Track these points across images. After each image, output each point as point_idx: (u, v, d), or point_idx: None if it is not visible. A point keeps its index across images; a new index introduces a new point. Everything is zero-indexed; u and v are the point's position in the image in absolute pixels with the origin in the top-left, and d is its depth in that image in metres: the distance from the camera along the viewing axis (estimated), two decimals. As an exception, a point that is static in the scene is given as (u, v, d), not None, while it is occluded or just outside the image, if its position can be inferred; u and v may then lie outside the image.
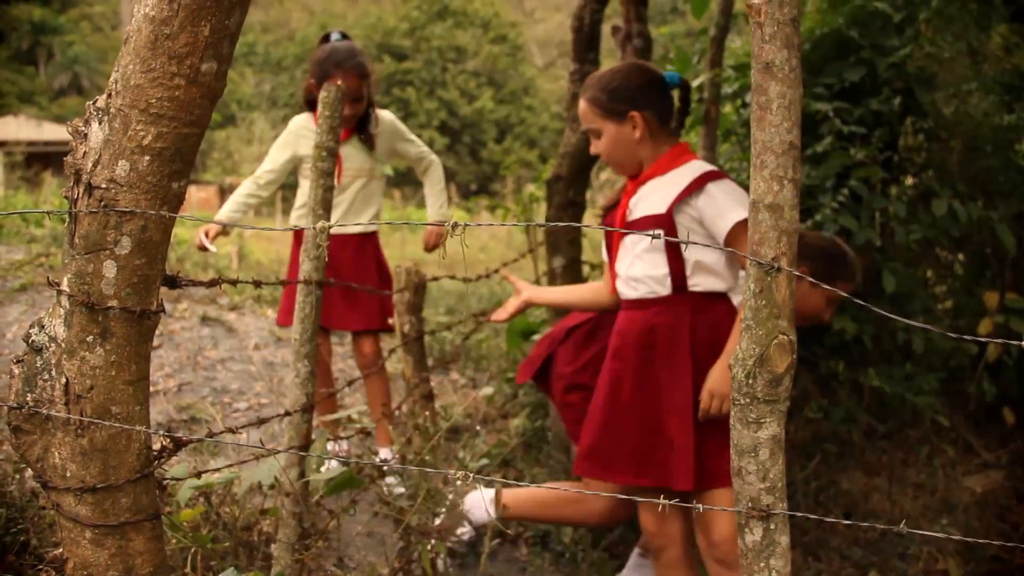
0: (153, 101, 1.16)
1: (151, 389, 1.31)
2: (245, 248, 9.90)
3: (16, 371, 1.23)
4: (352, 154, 3.13)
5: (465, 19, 32.27)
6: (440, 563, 2.36)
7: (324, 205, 1.94)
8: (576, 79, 3.30)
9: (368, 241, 3.22)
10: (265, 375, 4.29)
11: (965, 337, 1.01)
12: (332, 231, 3.11)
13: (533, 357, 2.52)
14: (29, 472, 2.16)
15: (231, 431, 1.69)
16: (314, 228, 1.83)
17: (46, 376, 1.21)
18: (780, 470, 1.08)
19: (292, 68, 31.15)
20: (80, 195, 1.18)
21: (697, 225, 1.98)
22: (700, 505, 1.14)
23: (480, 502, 2.43)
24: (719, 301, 2.01)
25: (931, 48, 3.15)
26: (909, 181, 3.32)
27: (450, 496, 2.46)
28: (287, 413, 1.91)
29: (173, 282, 1.32)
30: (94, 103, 1.19)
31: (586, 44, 3.29)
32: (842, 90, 3.09)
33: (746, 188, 1.55)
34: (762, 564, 1.08)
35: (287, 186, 3.30)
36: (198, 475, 1.89)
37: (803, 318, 2.32)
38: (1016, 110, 3.21)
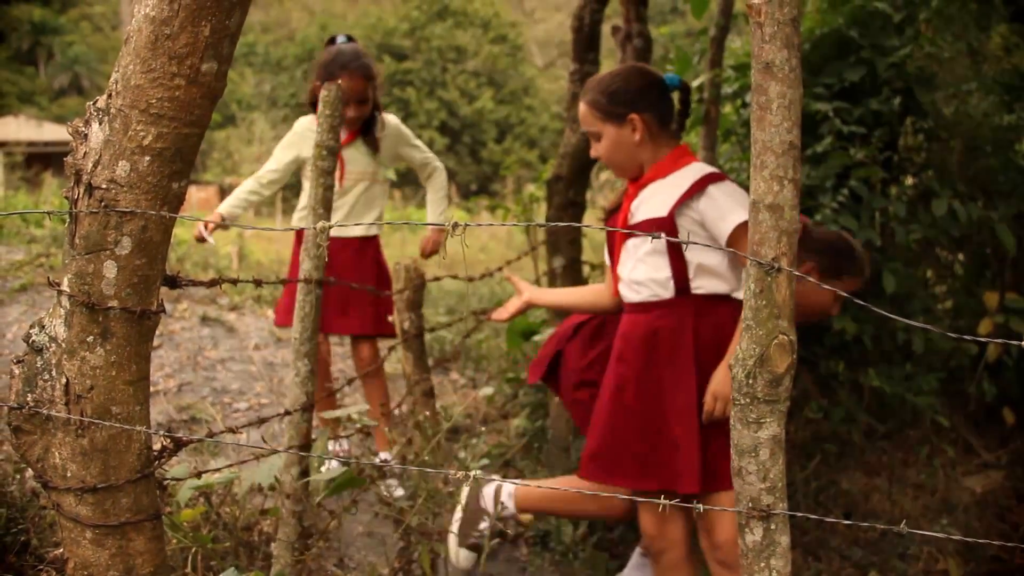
0: (153, 101, 1.16)
1: (151, 389, 1.31)
2: (245, 248, 9.90)
3: (16, 371, 1.23)
4: (355, 157, 3.13)
5: (465, 19, 32.27)
6: (440, 563, 2.36)
7: (324, 204, 1.94)
8: (576, 79, 3.31)
9: (368, 245, 3.20)
10: (265, 375, 4.29)
11: (965, 337, 1.01)
12: (332, 234, 3.11)
13: (542, 356, 2.52)
14: (30, 472, 2.16)
15: (231, 431, 1.69)
16: (314, 228, 1.83)
17: (46, 376, 1.21)
18: (780, 470, 1.08)
19: (292, 68, 31.14)
20: (80, 195, 1.18)
21: (699, 228, 1.98)
22: (701, 505, 1.14)
23: (495, 496, 2.43)
24: (722, 303, 2.01)
25: (931, 48, 3.15)
26: (909, 181, 3.32)
27: (461, 491, 2.46)
28: (287, 412, 1.92)
29: (173, 282, 1.32)
30: (94, 103, 1.19)
31: (586, 44, 3.29)
32: (842, 90, 3.09)
33: (746, 188, 1.55)
34: (762, 564, 1.08)
35: (288, 186, 3.30)
36: (198, 475, 1.89)
37: (811, 313, 2.32)
38: (1016, 110, 3.21)
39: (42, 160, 19.56)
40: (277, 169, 3.10)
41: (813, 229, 2.37)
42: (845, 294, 1.15)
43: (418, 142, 3.31)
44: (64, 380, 1.20)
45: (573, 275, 3.31)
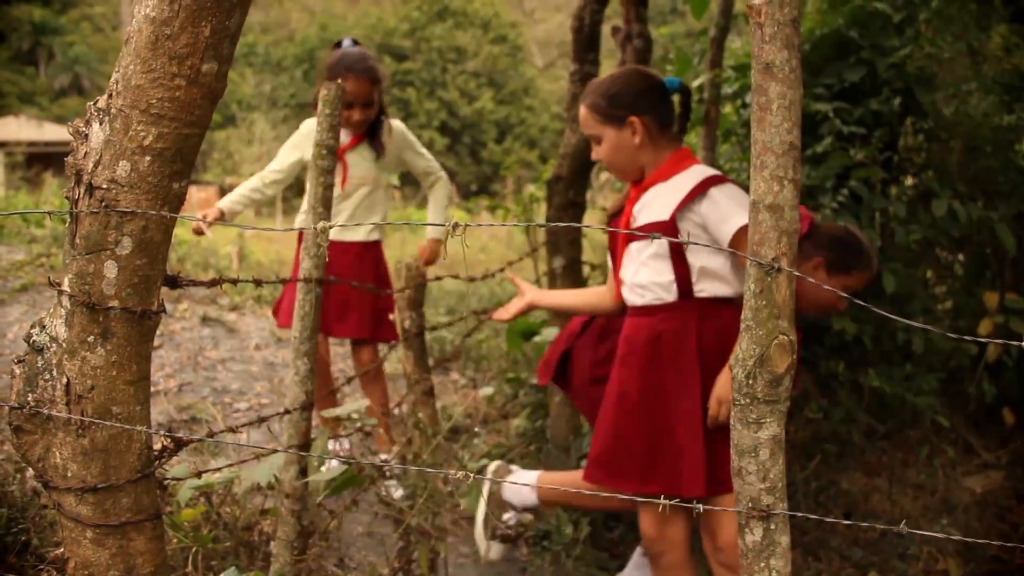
0: (154, 102, 1.16)
1: (152, 389, 1.31)
2: (246, 248, 9.91)
3: (17, 371, 1.24)
4: (358, 161, 3.12)
5: (465, 19, 32.28)
6: (439, 563, 2.36)
7: (324, 203, 1.94)
8: (576, 79, 3.31)
9: (369, 250, 3.19)
10: (266, 375, 4.29)
11: (965, 338, 1.01)
12: (333, 238, 3.11)
13: (550, 357, 2.51)
14: (30, 472, 2.16)
15: (232, 430, 1.69)
16: (314, 228, 1.83)
17: (47, 376, 1.21)
18: (780, 470, 1.08)
19: (292, 69, 31.15)
20: (81, 195, 1.18)
21: (701, 231, 1.97)
22: (700, 506, 1.14)
23: (520, 488, 2.44)
24: (726, 306, 2.00)
25: (931, 48, 3.15)
26: (909, 181, 3.33)
27: (473, 489, 2.47)
28: (286, 411, 1.92)
29: (174, 282, 1.32)
30: (95, 104, 1.19)
31: (586, 44, 3.29)
32: (842, 90, 3.09)
33: (746, 189, 1.55)
34: (762, 564, 1.08)
35: (288, 187, 3.28)
36: (199, 475, 1.89)
37: (819, 308, 2.32)
38: (1016, 110, 3.21)
39: (43, 160, 19.56)
40: (281, 170, 3.10)
41: (821, 224, 2.37)
42: (844, 295, 1.15)
43: (423, 150, 3.29)
44: (65, 380, 1.20)
45: (573, 275, 3.31)
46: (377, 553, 2.56)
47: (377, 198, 3.17)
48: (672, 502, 1.14)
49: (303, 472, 1.94)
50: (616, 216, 2.23)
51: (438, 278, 3.22)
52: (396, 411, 3.31)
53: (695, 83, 3.76)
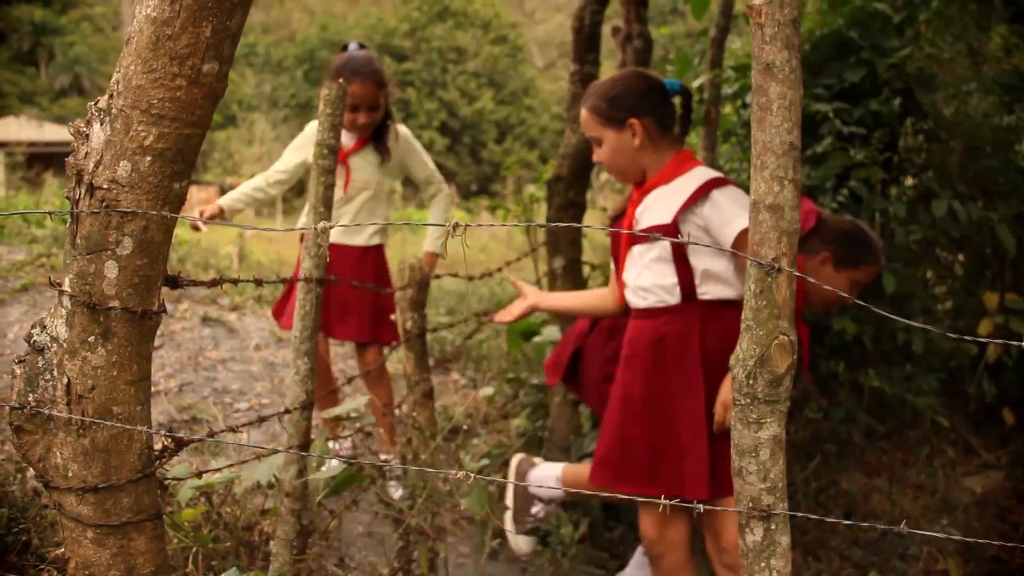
0: (155, 102, 1.16)
1: (152, 389, 1.31)
2: (246, 249, 9.91)
3: (18, 371, 1.24)
4: (362, 165, 3.11)
5: (465, 20, 32.29)
6: (439, 563, 2.37)
7: (325, 203, 1.95)
8: (576, 80, 3.31)
9: (369, 254, 3.18)
10: (266, 375, 4.29)
11: (965, 338, 1.01)
12: (335, 242, 3.11)
13: (560, 357, 2.51)
14: (31, 472, 2.17)
15: (232, 430, 1.69)
16: (315, 228, 1.83)
17: (48, 376, 1.21)
18: (781, 470, 1.08)
19: (293, 69, 31.17)
20: (82, 195, 1.19)
21: (703, 233, 1.97)
22: (701, 506, 1.14)
23: (545, 479, 2.44)
24: (729, 309, 1.99)
25: (931, 49, 3.15)
26: (909, 182, 3.33)
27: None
28: (287, 411, 1.92)
29: (174, 282, 1.32)
30: (96, 104, 1.19)
31: (586, 45, 3.29)
32: (842, 91, 3.09)
33: (747, 189, 1.55)
34: (763, 564, 1.08)
35: (290, 187, 3.28)
36: (199, 475, 1.89)
37: (828, 303, 2.32)
38: (1016, 111, 3.21)
39: (43, 160, 19.58)
40: (285, 170, 3.10)
41: (828, 219, 2.37)
42: (844, 295, 1.15)
43: (427, 158, 3.27)
44: (65, 380, 1.20)
45: (573, 276, 3.31)
46: (377, 553, 2.56)
47: (379, 202, 3.16)
48: (673, 502, 1.13)
49: (303, 472, 1.94)
50: (618, 218, 2.23)
51: (437, 276, 3.22)
52: (397, 411, 3.31)
53: (695, 83, 3.76)
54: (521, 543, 2.45)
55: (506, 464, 3.25)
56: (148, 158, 1.17)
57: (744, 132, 3.55)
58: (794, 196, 1.04)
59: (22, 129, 24.25)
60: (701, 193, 1.97)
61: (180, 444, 1.35)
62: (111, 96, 1.18)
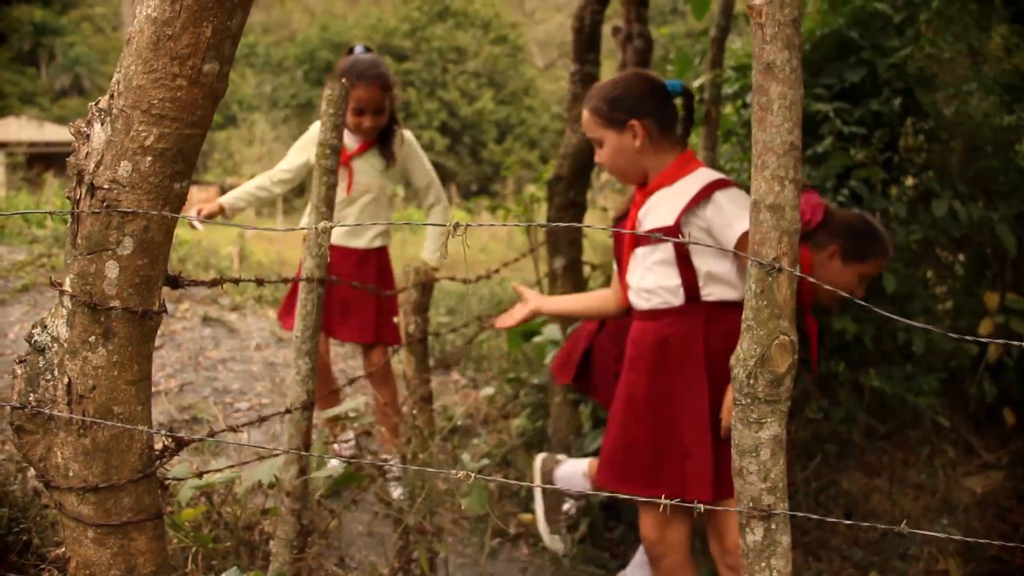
0: (155, 102, 1.16)
1: (153, 389, 1.31)
2: (246, 249, 9.92)
3: (19, 371, 1.24)
4: (365, 168, 3.11)
5: (466, 20, 32.29)
6: (439, 562, 2.37)
7: (327, 202, 1.95)
8: (577, 80, 3.31)
9: (371, 256, 3.18)
10: (266, 375, 4.29)
11: (966, 338, 1.01)
12: (336, 243, 3.11)
13: (571, 356, 2.50)
14: (32, 472, 2.17)
15: (232, 430, 1.69)
16: (315, 228, 1.83)
17: (49, 376, 1.21)
18: (781, 470, 1.08)
19: (293, 69, 31.17)
20: (82, 195, 1.19)
21: (705, 235, 1.96)
22: (701, 506, 1.14)
23: (572, 476, 2.44)
24: (733, 310, 1.98)
25: (931, 49, 3.15)
26: (909, 182, 3.33)
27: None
28: (287, 411, 1.92)
29: (175, 282, 1.32)
30: (96, 104, 1.19)
31: (586, 45, 3.29)
32: (842, 91, 3.09)
33: (747, 189, 1.54)
34: (763, 564, 1.08)
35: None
36: (200, 475, 1.89)
37: (835, 297, 2.32)
38: (1016, 111, 3.21)
39: (43, 161, 19.58)
40: (289, 170, 3.10)
41: (835, 212, 2.37)
42: (844, 293, 1.15)
43: (429, 166, 3.26)
44: (66, 380, 1.20)
45: (574, 276, 3.31)
46: (377, 552, 2.56)
47: (381, 206, 3.16)
48: (673, 502, 1.13)
49: (303, 472, 1.95)
50: (621, 219, 2.23)
51: (436, 279, 3.22)
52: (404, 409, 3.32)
53: (696, 83, 3.76)
54: (557, 543, 2.44)
55: (506, 464, 3.25)
56: (149, 158, 1.17)
57: (745, 132, 3.55)
58: (795, 196, 1.04)
59: (22, 129, 24.26)
60: (703, 195, 1.96)
61: (181, 444, 1.35)
62: (112, 96, 1.18)
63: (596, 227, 1.15)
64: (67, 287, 1.20)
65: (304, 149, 3.09)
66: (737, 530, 1.94)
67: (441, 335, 4.16)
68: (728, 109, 3.76)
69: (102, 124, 1.18)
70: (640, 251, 2.06)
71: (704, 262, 1.97)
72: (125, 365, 1.22)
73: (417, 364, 2.73)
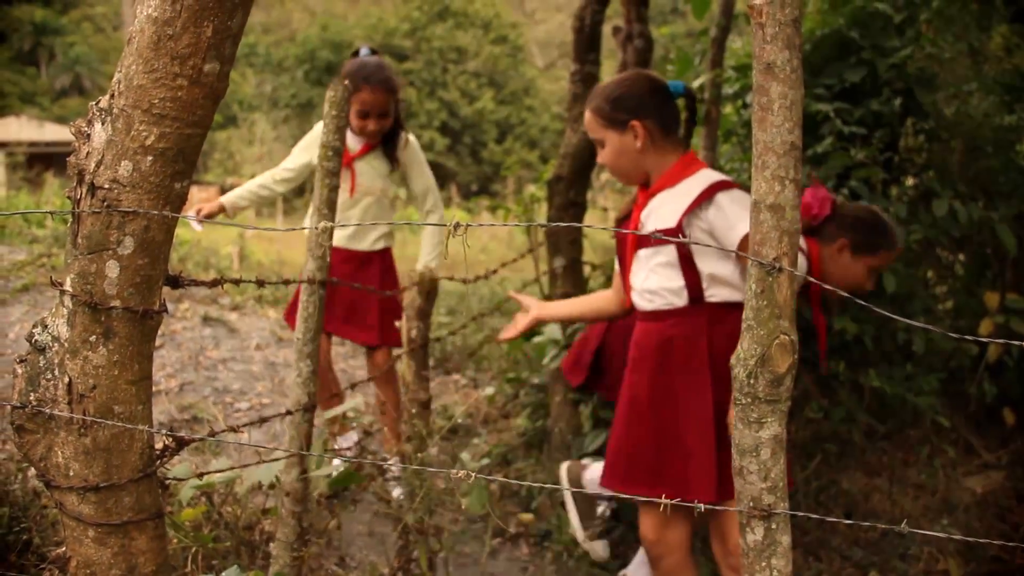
0: (156, 102, 1.16)
1: (153, 389, 1.31)
2: (246, 248, 9.92)
3: (19, 370, 1.24)
4: (367, 170, 3.11)
5: (466, 20, 32.29)
6: (438, 561, 2.37)
7: (329, 205, 1.95)
8: (577, 80, 3.31)
9: (373, 258, 3.18)
10: (267, 375, 4.29)
11: (966, 337, 1.01)
12: (339, 245, 3.10)
13: (581, 356, 2.49)
14: (32, 471, 2.17)
15: (233, 430, 1.69)
16: (316, 228, 1.83)
17: (49, 375, 1.21)
18: (781, 470, 1.08)
19: (293, 69, 31.17)
20: (83, 195, 1.19)
21: (708, 237, 1.96)
22: (701, 505, 1.14)
23: (600, 479, 2.44)
24: (736, 311, 1.97)
25: (932, 49, 3.15)
26: (910, 182, 3.33)
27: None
28: (288, 412, 1.92)
29: (175, 282, 1.32)
30: (97, 103, 1.19)
31: (587, 45, 3.29)
32: (843, 91, 3.09)
33: (748, 189, 1.54)
34: (763, 564, 1.08)
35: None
36: (200, 475, 1.89)
37: (846, 288, 2.32)
38: (1017, 111, 3.21)
39: (44, 160, 19.59)
40: (292, 169, 3.10)
41: (843, 205, 2.37)
42: (844, 293, 1.15)
43: (428, 171, 3.25)
44: (67, 379, 1.20)
45: (574, 275, 3.31)
46: (378, 552, 2.56)
47: (383, 208, 3.16)
48: (674, 501, 1.13)
49: (304, 474, 1.95)
50: (624, 220, 2.22)
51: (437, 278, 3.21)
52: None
53: (696, 83, 3.76)
54: (597, 548, 2.41)
55: (507, 463, 3.25)
56: (149, 158, 1.17)
57: (745, 132, 3.55)
58: (795, 196, 1.04)
59: (23, 129, 24.27)
60: (706, 196, 1.96)
61: (181, 443, 1.35)
62: (112, 96, 1.18)
63: (597, 227, 1.15)
64: (68, 287, 1.20)
65: (307, 149, 3.09)
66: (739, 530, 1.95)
67: (443, 339, 4.16)
68: (728, 109, 3.76)
69: (103, 124, 1.18)
70: (643, 253, 2.06)
71: (707, 264, 1.97)
72: (126, 364, 1.22)
73: (417, 370, 2.72)
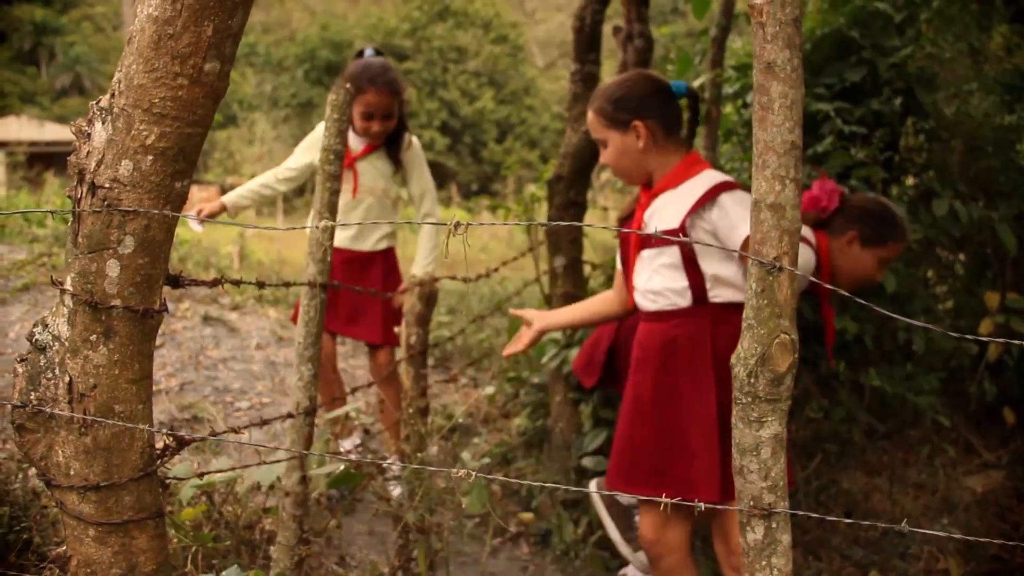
0: (156, 101, 1.16)
1: (153, 388, 1.31)
2: (247, 248, 9.92)
3: (20, 370, 1.24)
4: (369, 171, 3.11)
5: (466, 19, 32.28)
6: (438, 561, 2.37)
7: (330, 208, 1.95)
8: (577, 79, 3.31)
9: (376, 258, 3.17)
10: (267, 374, 4.29)
11: (966, 337, 1.01)
12: (342, 246, 3.11)
13: (594, 356, 2.48)
14: (32, 470, 2.17)
15: (234, 431, 1.69)
16: (317, 227, 1.83)
17: (50, 375, 1.22)
18: (781, 469, 1.08)
19: (293, 68, 31.17)
20: (84, 194, 1.19)
21: (711, 238, 1.95)
22: (701, 504, 1.14)
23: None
24: (740, 312, 1.97)
25: (932, 48, 3.15)
26: (910, 181, 3.33)
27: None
28: (290, 415, 1.92)
29: (176, 281, 1.32)
30: (98, 103, 1.19)
31: (587, 44, 3.29)
32: (843, 90, 3.09)
33: (749, 189, 1.54)
34: (764, 562, 1.09)
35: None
36: (200, 475, 1.89)
37: (856, 281, 2.33)
38: (1017, 110, 3.21)
39: (44, 160, 19.60)
40: (295, 168, 3.10)
41: (852, 197, 2.37)
42: (843, 291, 1.15)
43: (428, 175, 3.25)
44: (67, 378, 1.20)
45: (574, 275, 3.31)
46: (378, 551, 2.56)
47: (385, 208, 3.16)
48: (674, 500, 1.13)
49: (305, 478, 1.94)
50: (626, 219, 2.21)
51: (437, 279, 3.21)
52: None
53: (696, 83, 3.76)
54: (641, 558, 2.40)
55: (507, 462, 3.25)
56: (150, 157, 1.17)
57: (745, 131, 3.55)
58: (795, 195, 1.04)
59: (23, 129, 24.28)
60: (709, 197, 1.95)
61: (182, 443, 1.35)
62: (113, 95, 1.18)
63: (598, 226, 1.15)
64: (68, 286, 1.20)
65: (309, 149, 3.09)
66: (740, 530, 1.95)
67: (441, 331, 4.16)
68: (729, 109, 3.76)
69: (103, 123, 1.18)
70: (646, 253, 2.05)
71: (710, 265, 1.96)
72: (126, 364, 1.22)
73: (415, 376, 2.71)
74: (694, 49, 4.02)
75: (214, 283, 1.55)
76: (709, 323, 1.97)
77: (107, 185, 1.17)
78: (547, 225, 1.12)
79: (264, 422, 1.85)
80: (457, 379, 4.70)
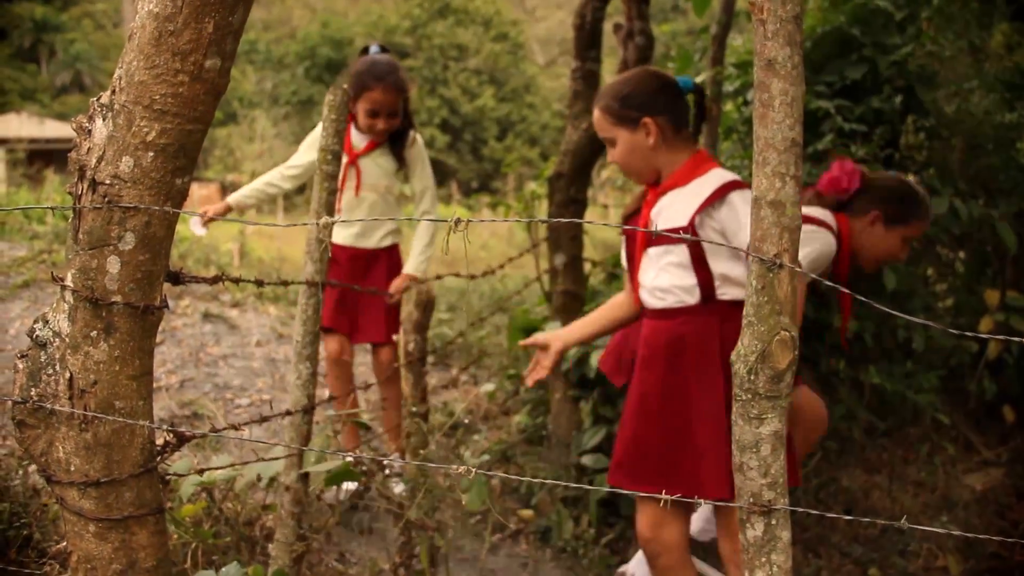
0: (157, 97, 1.16)
1: (154, 385, 1.31)
2: (247, 245, 9.92)
3: (20, 366, 1.24)
4: (372, 168, 3.10)
5: (466, 17, 32.28)
6: (439, 557, 2.37)
7: (328, 208, 1.95)
8: (578, 77, 3.31)
9: (380, 256, 3.17)
10: (267, 371, 4.30)
11: (966, 334, 1.01)
12: (345, 244, 3.10)
13: (623, 355, 2.45)
14: (33, 467, 2.17)
15: (234, 428, 1.69)
16: (316, 224, 1.83)
17: (50, 371, 1.22)
18: (781, 466, 1.08)
19: (294, 66, 31.17)
20: (84, 191, 1.19)
21: (719, 236, 1.93)
22: (701, 501, 1.14)
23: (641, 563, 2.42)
24: None
25: (932, 46, 3.15)
26: (910, 179, 3.33)
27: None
28: (288, 413, 1.92)
29: (176, 278, 1.32)
30: (98, 99, 1.19)
31: (588, 42, 3.29)
32: (843, 88, 3.09)
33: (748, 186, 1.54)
34: (763, 559, 1.09)
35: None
36: (200, 471, 1.89)
37: (880, 260, 2.33)
38: (1017, 108, 3.21)
39: (44, 157, 19.61)
40: (298, 166, 3.09)
41: (873, 177, 2.37)
42: (846, 289, 1.15)
43: (429, 172, 3.25)
44: (68, 375, 1.21)
45: (574, 272, 3.32)
46: (378, 548, 2.57)
47: (388, 205, 3.16)
48: (674, 497, 1.13)
49: (304, 476, 1.95)
50: (632, 217, 2.18)
51: (438, 277, 3.21)
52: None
53: (697, 80, 3.75)
54: None
55: (507, 460, 3.25)
56: (150, 154, 1.18)
57: (745, 129, 3.55)
58: (796, 192, 1.04)
59: (23, 126, 24.28)
60: (718, 196, 1.93)
61: (182, 439, 1.35)
62: (113, 92, 1.18)
63: (600, 223, 1.15)
64: (69, 282, 1.20)
65: (313, 146, 3.09)
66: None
67: (442, 328, 4.16)
68: (729, 106, 3.76)
69: (104, 120, 1.18)
70: (653, 251, 2.03)
71: (719, 264, 1.94)
72: (126, 360, 1.23)
73: (414, 383, 2.71)
74: (695, 46, 4.02)
75: (214, 280, 1.55)
76: (717, 321, 1.95)
77: (108, 181, 1.17)
78: (549, 221, 1.12)
79: (264, 419, 1.85)
80: (457, 380, 4.70)
